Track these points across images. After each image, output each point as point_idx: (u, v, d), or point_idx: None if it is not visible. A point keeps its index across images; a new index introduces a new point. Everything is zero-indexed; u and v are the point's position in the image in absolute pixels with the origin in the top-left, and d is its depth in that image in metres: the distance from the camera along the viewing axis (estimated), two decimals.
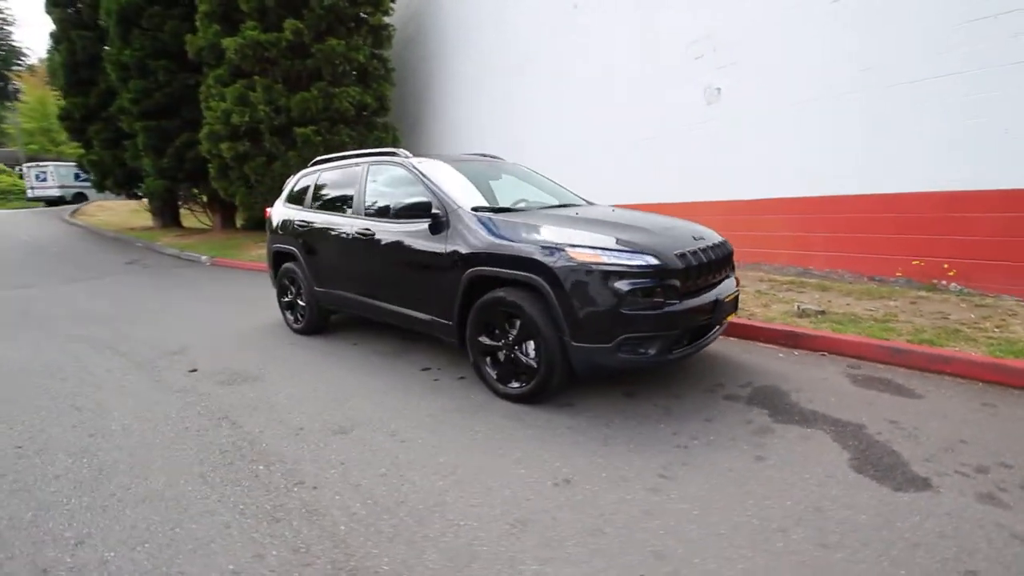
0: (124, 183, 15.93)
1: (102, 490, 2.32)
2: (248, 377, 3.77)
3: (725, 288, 3.20)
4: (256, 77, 10.44)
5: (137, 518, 2.11)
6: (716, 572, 1.71)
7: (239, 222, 15.34)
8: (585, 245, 2.79)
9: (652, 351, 2.74)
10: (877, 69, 5.09)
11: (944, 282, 4.80)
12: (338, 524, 2.02)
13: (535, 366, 2.96)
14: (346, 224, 4.14)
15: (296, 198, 4.91)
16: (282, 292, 5.03)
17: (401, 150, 4.12)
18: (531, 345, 2.99)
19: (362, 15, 11.30)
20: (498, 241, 3.06)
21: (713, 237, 3.32)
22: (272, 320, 5.39)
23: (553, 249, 2.82)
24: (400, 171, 3.93)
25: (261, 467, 2.48)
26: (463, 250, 3.21)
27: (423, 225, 3.50)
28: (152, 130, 12.56)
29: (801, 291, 5.26)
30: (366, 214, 4.02)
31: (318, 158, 5.03)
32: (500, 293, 3.04)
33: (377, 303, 3.98)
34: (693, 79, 6.70)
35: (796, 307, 4.61)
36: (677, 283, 2.78)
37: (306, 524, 2.03)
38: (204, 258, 10.75)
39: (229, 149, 10.63)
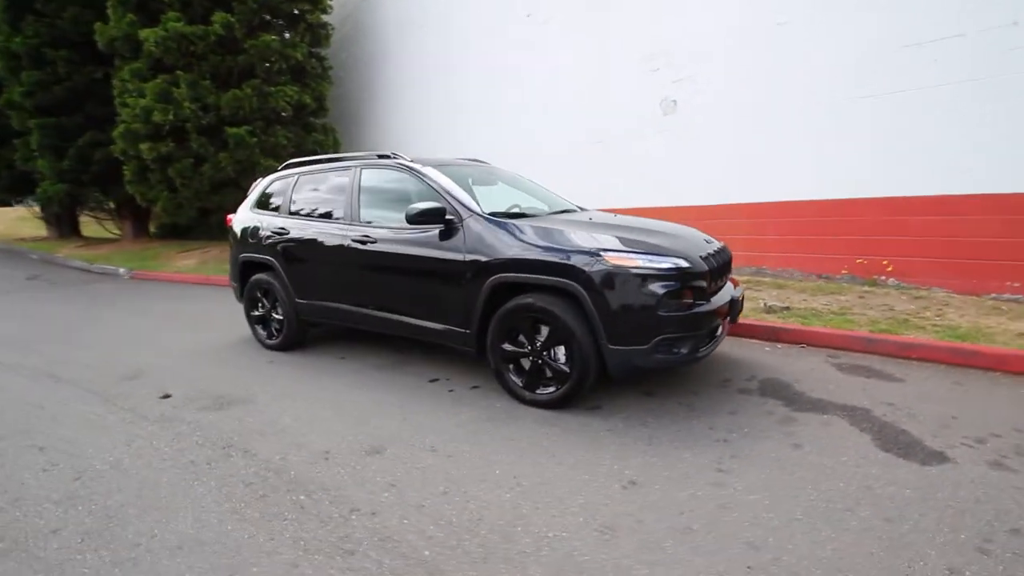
0: (12, 187, 13.89)
1: (122, 540, 2.01)
2: (236, 400, 3.43)
3: (734, 289, 3.40)
4: (180, 72, 9.54)
5: (183, 569, 1.85)
6: (812, 555, 1.80)
7: (152, 229, 13.93)
8: (621, 250, 2.84)
9: (685, 350, 2.84)
10: (820, 87, 5.65)
11: (884, 278, 5.41)
12: (420, 550, 1.90)
13: (567, 371, 2.96)
14: (337, 231, 3.90)
15: (267, 203, 4.55)
16: (252, 306, 4.63)
17: (395, 152, 3.96)
18: (561, 350, 2.99)
19: (297, 11, 10.72)
20: (525, 247, 3.03)
21: (715, 242, 3.51)
22: (233, 337, 4.96)
23: (589, 254, 2.84)
24: (399, 175, 3.77)
25: (302, 496, 2.27)
26: (484, 257, 3.14)
27: (432, 232, 3.39)
28: (49, 128, 11.08)
29: (759, 289, 5.69)
30: (362, 221, 3.81)
31: (291, 161, 4.70)
32: (528, 299, 3.01)
33: (376, 314, 3.78)
34: (650, 90, 7.04)
35: (762, 304, 4.98)
36: (704, 284, 2.91)
37: (386, 554, 1.88)
38: (122, 271, 9.65)
39: (150, 150, 9.63)
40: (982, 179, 4.81)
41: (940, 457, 2.41)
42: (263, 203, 4.60)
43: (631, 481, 2.30)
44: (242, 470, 2.52)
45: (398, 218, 3.86)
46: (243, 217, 4.70)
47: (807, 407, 3.00)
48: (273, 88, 10.10)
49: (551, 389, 3.05)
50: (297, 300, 4.24)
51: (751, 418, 2.88)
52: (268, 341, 4.56)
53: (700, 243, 3.19)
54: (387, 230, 3.66)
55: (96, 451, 2.76)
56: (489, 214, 3.30)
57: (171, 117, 9.36)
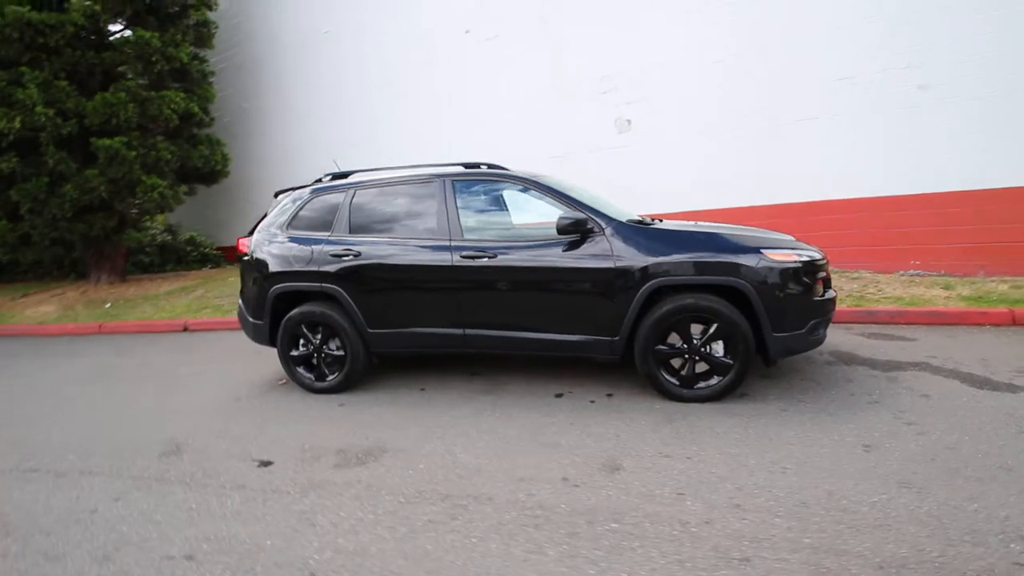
0: None
1: None
2: (371, 450, 2.94)
3: None
4: (25, 69, 7.44)
5: None
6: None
7: None
8: (776, 246, 3.17)
9: (823, 331, 3.28)
10: (763, 111, 6.77)
11: None
12: (799, 539, 1.94)
13: (729, 363, 3.18)
14: (435, 249, 3.56)
15: (310, 224, 3.92)
16: (291, 344, 3.92)
17: (492, 164, 3.77)
18: (719, 344, 3.21)
19: (177, 8, 9.15)
20: (685, 251, 3.19)
21: None
22: (235, 390, 4.17)
23: (753, 252, 3.12)
24: (499, 185, 3.63)
25: (601, 524, 2.10)
26: (639, 263, 3.21)
27: (563, 241, 3.35)
28: None
29: None
30: (465, 236, 3.54)
31: (330, 173, 4.11)
32: (688, 300, 3.17)
33: (489, 334, 3.54)
34: (604, 110, 7.65)
35: None
36: (827, 274, 3.40)
37: (777, 550, 1.89)
38: None
39: None
40: (882, 184, 6.29)
41: (1012, 387, 3.20)
42: (302, 225, 3.94)
43: (865, 445, 2.62)
44: (493, 515, 2.23)
45: (505, 230, 3.72)
46: (272, 241, 3.96)
47: (889, 367, 3.66)
48: (154, 93, 8.47)
49: (712, 382, 3.24)
50: (370, 331, 3.73)
51: (866, 382, 3.43)
52: (317, 384, 3.91)
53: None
54: (503, 243, 3.49)
55: (282, 543, 2.16)
56: (626, 221, 3.38)
57: (16, 124, 7.24)
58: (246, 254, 4.07)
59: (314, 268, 3.78)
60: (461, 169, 3.78)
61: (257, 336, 4.12)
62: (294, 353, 3.94)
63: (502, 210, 3.72)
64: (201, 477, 2.76)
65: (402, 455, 2.87)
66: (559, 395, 3.58)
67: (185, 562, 2.07)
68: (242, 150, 11.51)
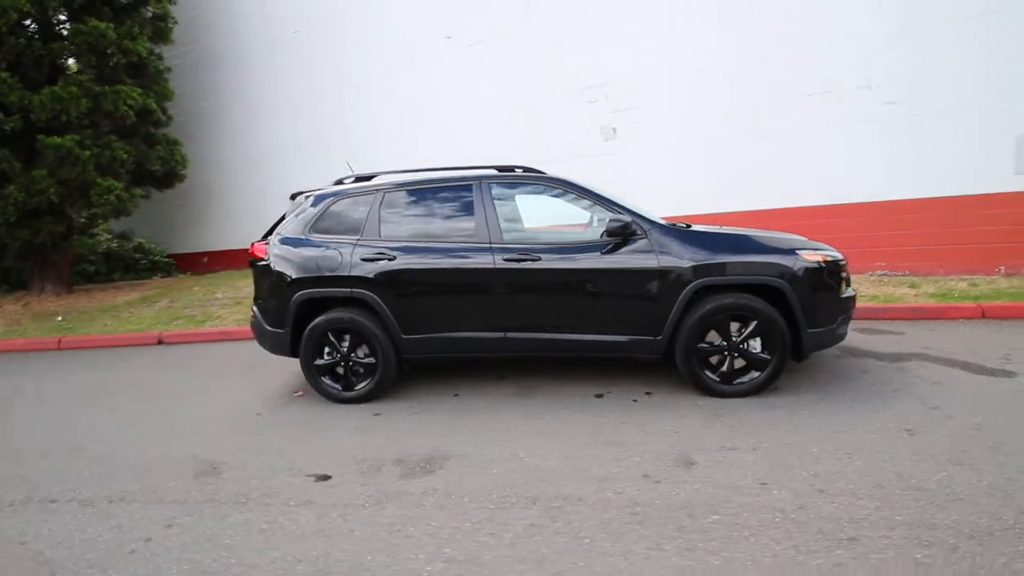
0: None
1: None
2: (435, 457, 2.86)
3: None
4: None
5: None
6: None
7: None
8: (807, 247, 3.37)
9: (847, 327, 3.52)
10: (743, 122, 7.15)
11: None
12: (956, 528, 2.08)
13: (767, 358, 3.34)
14: (476, 252, 3.52)
15: (335, 228, 3.76)
16: (316, 353, 3.74)
17: (528, 167, 3.76)
18: (756, 341, 3.36)
19: None
20: (727, 253, 3.33)
21: None
22: (241, 403, 3.96)
23: (789, 253, 3.30)
24: (541, 188, 3.65)
25: (771, 514, 2.16)
26: (683, 264, 3.31)
27: (605, 244, 3.41)
28: None
29: None
30: (505, 239, 3.52)
31: (352, 175, 3.97)
32: (729, 299, 3.31)
33: (531, 336, 3.53)
34: (591, 118, 7.83)
35: None
36: (847, 273, 3.64)
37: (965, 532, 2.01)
38: None
39: None
40: (850, 192, 6.81)
41: (1006, 372, 3.56)
42: (327, 228, 3.78)
43: (907, 429, 2.83)
44: (592, 515, 2.23)
45: (543, 233, 3.74)
46: (295, 245, 3.77)
47: (894, 359, 3.97)
48: (108, 88, 7.83)
49: (751, 376, 3.39)
50: (404, 336, 3.62)
51: (881, 373, 3.70)
52: (345, 394, 3.75)
53: None
54: (543, 246, 3.50)
55: (385, 558, 2.06)
56: (665, 224, 3.49)
57: None
58: (263, 259, 3.85)
59: (344, 273, 3.63)
60: (494, 172, 3.77)
61: (276, 346, 3.90)
62: (319, 362, 3.76)
63: (531, 212, 3.75)
64: (256, 496, 2.58)
65: (466, 461, 2.81)
66: (599, 395, 3.62)
67: None
68: (198, 151, 10.84)
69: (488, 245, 3.53)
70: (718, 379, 3.41)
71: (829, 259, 3.38)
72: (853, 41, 6.49)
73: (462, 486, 2.56)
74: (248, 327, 6.17)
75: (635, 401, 3.49)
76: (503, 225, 3.56)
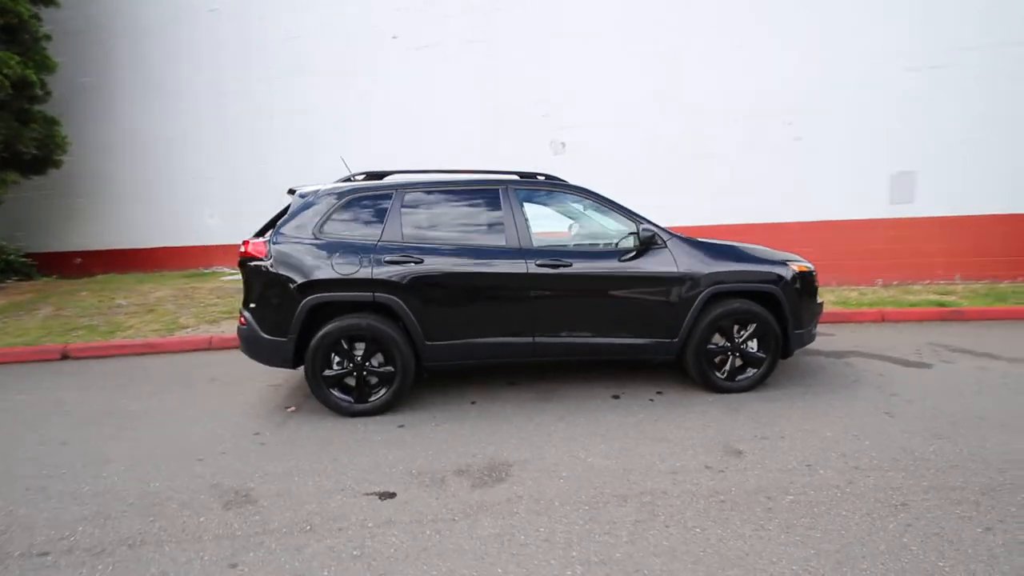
0: None
1: None
2: (496, 465, 2.80)
3: None
4: None
5: None
6: (964, 405, 3.27)
7: None
8: (794, 259, 3.85)
9: (817, 329, 4.08)
10: (678, 144, 7.87)
11: None
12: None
13: (763, 357, 3.76)
14: (505, 256, 3.49)
15: (349, 229, 3.49)
16: (324, 364, 3.42)
17: (550, 175, 3.81)
18: (755, 342, 3.77)
19: None
20: (734, 262, 3.71)
21: None
22: (219, 425, 3.59)
23: (783, 263, 3.75)
24: (563, 196, 3.77)
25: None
26: (699, 271, 3.62)
27: (627, 251, 3.62)
28: None
29: None
30: (534, 244, 3.55)
31: (363, 172, 3.70)
32: (735, 304, 3.67)
33: (555, 340, 3.59)
34: (541, 132, 8.08)
35: None
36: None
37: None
38: None
39: None
40: (773, 212, 7.82)
41: (925, 364, 4.39)
42: (340, 228, 3.48)
43: (886, 412, 3.37)
44: (686, 506, 2.37)
45: (567, 239, 3.84)
46: (303, 245, 3.42)
47: (837, 356, 4.65)
48: None
49: (749, 374, 3.78)
50: (427, 343, 3.47)
51: (834, 368, 4.33)
52: (357, 406, 3.48)
53: None
54: (569, 251, 3.60)
55: (519, 569, 1.99)
56: (678, 234, 3.77)
57: None
58: (261, 259, 3.43)
59: (364, 276, 3.38)
60: (516, 178, 3.79)
61: (273, 357, 3.49)
62: (327, 373, 3.44)
63: (560, 219, 3.83)
64: (321, 522, 2.32)
65: (531, 467, 2.79)
66: (616, 396, 3.79)
67: None
68: (78, 134, 9.20)
69: (519, 249, 3.54)
70: (723, 377, 3.77)
71: (806, 269, 3.92)
72: (784, 85, 7.49)
73: (544, 491, 2.55)
74: (175, 338, 5.47)
75: (651, 400, 3.71)
76: (540, 230, 3.60)
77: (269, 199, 9.68)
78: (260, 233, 3.64)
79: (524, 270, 3.50)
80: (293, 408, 3.69)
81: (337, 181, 3.74)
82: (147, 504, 2.50)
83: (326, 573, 1.99)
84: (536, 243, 3.60)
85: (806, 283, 3.86)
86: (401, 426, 3.37)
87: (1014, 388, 3.76)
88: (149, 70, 9.38)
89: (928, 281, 7.30)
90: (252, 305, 3.53)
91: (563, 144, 8.14)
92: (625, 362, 4.18)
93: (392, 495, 2.54)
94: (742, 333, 3.75)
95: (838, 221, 7.56)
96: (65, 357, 5.10)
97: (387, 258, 3.43)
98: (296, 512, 2.41)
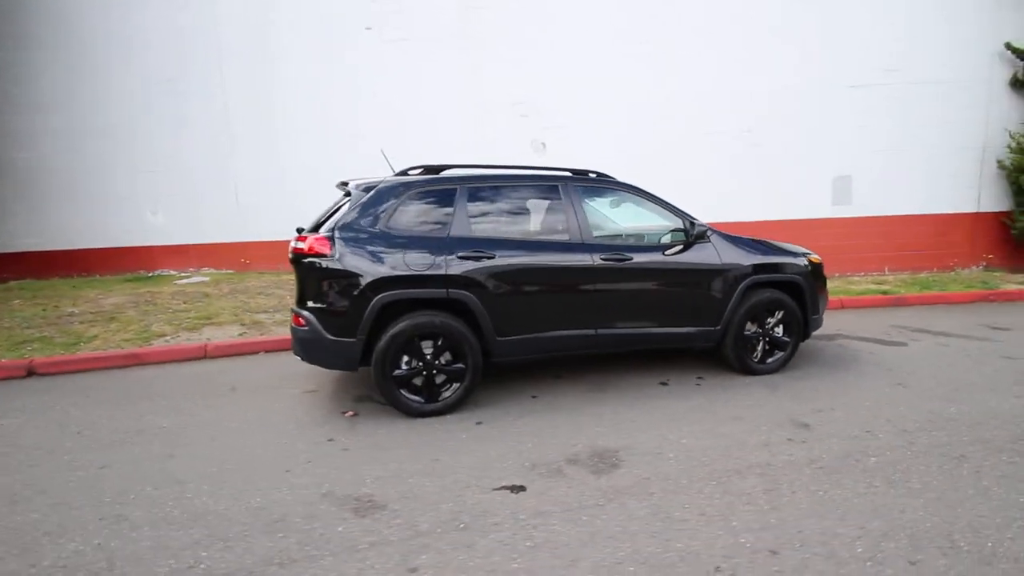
0: None
1: None
2: (606, 452, 2.89)
3: None
4: None
5: None
6: (965, 375, 3.90)
7: None
8: (810, 252, 4.29)
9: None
10: (652, 152, 8.30)
11: None
12: None
13: (788, 341, 4.16)
14: (570, 250, 3.57)
15: (414, 222, 3.38)
16: (393, 364, 3.30)
17: (601, 173, 3.92)
18: (781, 328, 4.15)
19: None
20: (766, 254, 4.07)
21: None
22: (281, 436, 3.44)
23: (804, 255, 4.17)
24: (613, 192, 3.95)
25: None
26: (739, 263, 3.93)
27: (674, 244, 3.86)
28: None
29: None
30: (594, 239, 3.67)
31: (420, 166, 3.59)
32: (768, 293, 4.03)
33: (614, 331, 3.75)
34: (521, 131, 8.18)
35: None
36: None
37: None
38: None
39: None
40: (728, 213, 8.50)
41: (900, 343, 5.06)
42: (406, 223, 3.37)
43: (899, 383, 3.88)
44: (802, 474, 2.63)
45: (620, 234, 4.01)
46: (371, 241, 3.27)
47: (829, 339, 5.21)
48: None
49: (777, 356, 4.16)
50: (498, 339, 3.46)
51: (831, 349, 4.87)
52: (427, 406, 3.39)
53: None
54: (626, 246, 3.77)
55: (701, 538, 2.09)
56: (716, 229, 4.06)
57: None
58: (325, 256, 3.23)
59: (439, 272, 3.30)
60: (570, 174, 3.89)
61: (337, 359, 3.32)
62: (397, 373, 3.32)
63: (610, 215, 3.97)
64: (471, 519, 2.28)
65: (638, 451, 2.91)
66: (664, 383, 4.01)
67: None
68: None
69: (582, 244, 3.64)
70: (757, 360, 4.12)
71: (818, 260, 4.39)
72: (736, 96, 8.16)
73: (663, 472, 2.68)
74: (163, 347, 4.96)
75: (698, 385, 3.97)
76: (599, 225, 3.74)
77: (229, 194, 9.02)
78: (314, 228, 3.42)
79: (590, 264, 3.61)
80: (352, 412, 3.51)
81: (396, 175, 3.62)
82: (264, 522, 2.30)
83: (516, 565, 1.99)
84: (595, 238, 3.73)
85: (819, 273, 4.33)
86: (479, 423, 3.34)
87: (977, 359, 4.48)
88: (80, 49, 8.25)
89: (864, 273, 8.35)
90: (313, 305, 3.32)
91: (543, 144, 8.30)
92: (659, 351, 4.40)
93: (522, 488, 2.55)
94: (769, 320, 4.13)
95: (793, 220, 8.40)
96: (31, 374, 4.39)
97: (459, 253, 3.38)
98: (437, 512, 2.35)
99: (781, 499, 2.40)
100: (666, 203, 3.99)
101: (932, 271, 8.21)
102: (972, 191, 8.18)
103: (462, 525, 2.25)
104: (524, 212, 3.70)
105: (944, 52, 7.95)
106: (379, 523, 2.28)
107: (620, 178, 4.13)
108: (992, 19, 7.79)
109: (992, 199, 8.15)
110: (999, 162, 7.94)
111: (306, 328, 3.31)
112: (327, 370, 4.28)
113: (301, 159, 8.33)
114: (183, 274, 8.37)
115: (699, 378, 4.11)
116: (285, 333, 5.21)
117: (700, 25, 8.11)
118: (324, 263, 3.27)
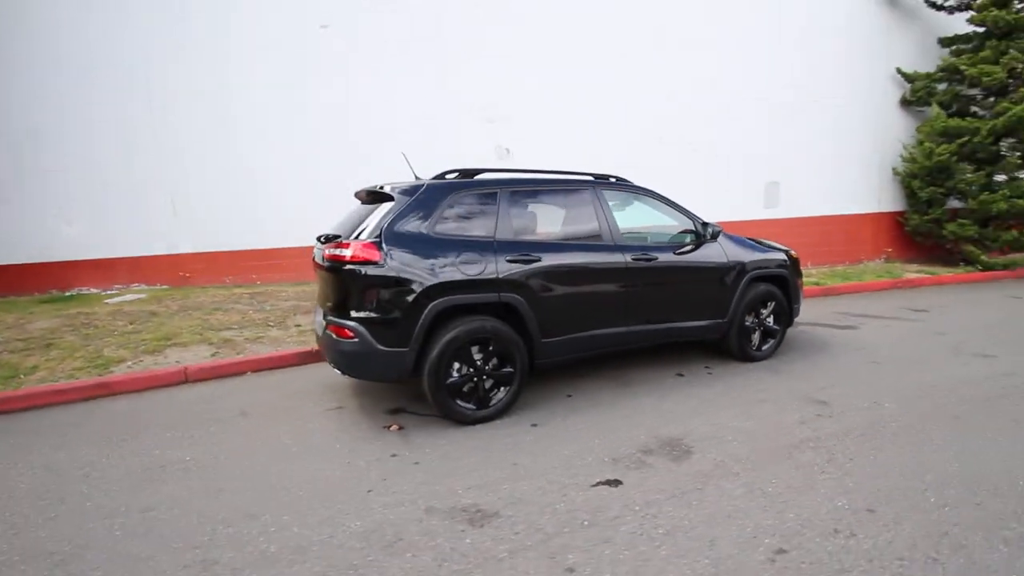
0: None
1: None
2: (673, 443, 3.03)
3: None
4: None
5: None
6: (932, 345, 4.60)
7: None
8: (788, 248, 4.78)
9: None
10: (605, 157, 8.69)
11: None
12: None
13: (778, 329, 4.61)
14: (602, 251, 3.71)
15: (459, 226, 3.33)
16: (446, 372, 3.21)
17: (619, 177, 4.08)
18: (772, 318, 4.59)
19: None
20: (762, 252, 4.49)
21: None
22: (353, 456, 3.29)
23: (786, 251, 4.64)
24: (639, 198, 4.14)
25: None
26: (741, 260, 4.31)
27: (687, 243, 4.16)
28: None
29: None
30: (623, 240, 3.84)
31: (455, 170, 3.51)
32: (763, 287, 4.45)
33: (641, 328, 3.94)
34: (486, 136, 8.20)
35: None
36: None
37: None
38: None
39: None
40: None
41: (851, 327, 5.78)
42: (452, 227, 3.30)
43: (873, 362, 4.45)
44: (844, 442, 2.96)
45: (641, 234, 4.22)
46: (423, 245, 3.17)
47: (794, 326, 5.83)
48: None
49: (770, 343, 4.60)
50: (543, 340, 3.49)
51: (798, 336, 5.45)
52: (479, 412, 3.34)
53: None
54: (649, 246, 3.97)
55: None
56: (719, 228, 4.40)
57: None
58: (369, 263, 3.06)
59: (490, 276, 3.27)
60: (592, 178, 4.02)
61: (389, 370, 3.16)
62: (451, 381, 3.24)
63: (630, 217, 4.16)
64: (588, 516, 2.32)
65: (698, 437, 3.10)
66: (680, 375, 4.27)
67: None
68: None
69: (615, 245, 3.79)
70: (754, 348, 4.52)
71: (795, 255, 4.91)
72: (683, 107, 8.82)
73: (735, 453, 2.89)
74: (139, 373, 4.46)
75: (710, 374, 4.28)
76: (626, 227, 3.90)
77: (164, 202, 8.04)
78: (357, 235, 3.24)
79: (623, 263, 3.77)
80: (396, 426, 3.36)
81: (433, 179, 3.52)
82: (381, 544, 2.16)
83: (663, 552, 2.06)
84: (624, 239, 3.90)
85: (797, 267, 4.85)
86: (535, 424, 3.35)
87: (917, 336, 5.27)
88: None
89: None
90: (361, 315, 3.13)
91: (508, 150, 8.40)
92: (662, 345, 4.67)
93: (619, 482, 2.62)
94: (763, 311, 4.56)
95: (735, 222, 9.18)
96: None
97: (507, 257, 3.38)
98: (554, 514, 2.35)
99: (845, 466, 2.70)
100: (676, 204, 4.27)
101: (846, 264, 9.44)
102: (874, 194, 9.53)
103: (585, 522, 2.28)
104: (559, 215, 3.79)
105: (846, 73, 9.20)
106: (502, 531, 2.24)
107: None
108: (885, 44, 9.18)
109: (889, 201, 9.55)
110: (894, 169, 9.34)
111: (355, 340, 3.12)
112: (342, 385, 4.09)
113: (249, 163, 7.72)
114: (111, 292, 7.38)
115: (706, 367, 4.43)
116: (265, 351, 4.85)
117: (650, 42, 8.67)
118: (372, 270, 3.11)
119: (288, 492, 2.62)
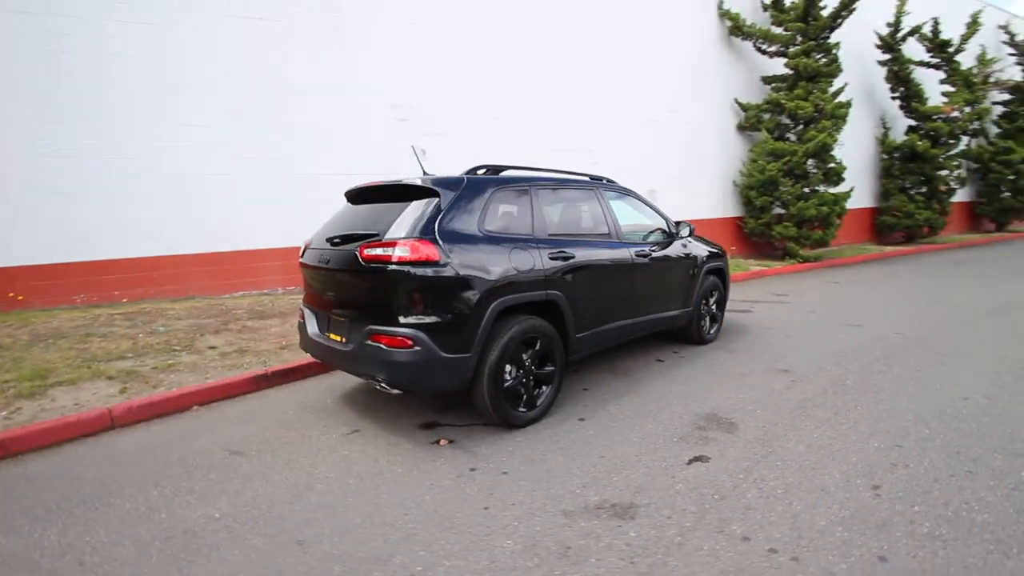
0: None
1: None
2: (710, 422, 3.35)
3: None
4: None
5: None
6: (822, 344, 5.79)
7: None
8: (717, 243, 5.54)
9: None
10: (524, 159, 8.90)
11: None
12: None
13: (719, 314, 5.33)
14: (614, 247, 3.91)
15: (502, 223, 3.21)
16: (502, 375, 3.07)
17: (608, 178, 4.27)
18: (715, 305, 5.29)
19: None
20: (707, 245, 5.14)
21: None
22: (409, 477, 3.06)
23: (719, 246, 5.39)
24: (625, 197, 4.43)
25: None
26: (700, 254, 4.90)
27: (660, 240, 4.62)
28: None
29: None
30: (625, 236, 4.08)
31: (484, 166, 3.35)
32: (712, 277, 5.11)
33: (639, 320, 4.23)
34: (400, 136, 7.78)
35: None
36: None
37: None
38: None
39: None
40: None
41: (747, 311, 6.90)
42: (496, 223, 3.15)
43: (786, 336, 5.40)
44: (846, 403, 3.60)
45: (631, 231, 4.53)
46: (475, 244, 2.98)
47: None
48: None
49: (715, 327, 5.30)
50: (577, 336, 3.53)
51: (733, 327, 6.34)
52: (529, 414, 3.27)
53: None
54: (642, 243, 4.28)
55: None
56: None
57: None
58: (427, 263, 2.75)
59: (539, 275, 3.20)
60: (588, 179, 4.19)
61: (451, 378, 2.91)
62: (505, 384, 3.09)
63: (620, 215, 4.41)
64: (714, 492, 2.48)
65: (729, 411, 3.47)
66: (660, 360, 4.67)
67: None
68: None
69: (620, 241, 4.01)
70: (707, 332, 5.17)
71: (725, 250, 5.73)
72: (579, 120, 9.47)
73: (767, 419, 3.32)
74: (42, 424, 3.64)
75: (681, 357, 4.77)
76: (625, 225, 4.14)
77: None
78: (409, 235, 2.87)
79: (629, 259, 4.02)
80: (445, 441, 3.09)
81: (464, 173, 3.30)
82: (554, 557, 2.03)
83: (798, 507, 2.31)
84: (625, 236, 4.15)
85: (727, 259, 5.67)
86: (582, 419, 3.39)
87: (797, 315, 6.51)
88: None
89: None
90: (419, 320, 2.80)
91: (423, 151, 8.07)
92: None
93: (706, 458, 2.83)
94: (710, 300, 5.24)
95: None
96: None
97: (548, 253, 3.35)
98: (681, 494, 2.46)
99: (853, 416, 3.31)
100: (651, 204, 4.70)
101: None
102: (722, 203, 11.43)
103: (715, 496, 2.44)
104: (576, 212, 3.88)
105: (702, 99, 10.91)
106: (658, 519, 2.28)
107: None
108: (726, 77, 11.11)
109: (733, 208, 11.56)
110: (734, 182, 11.35)
111: (416, 349, 2.78)
112: (327, 407, 3.62)
113: (87, 154, 6.16)
114: None
115: (677, 352, 4.93)
116: (195, 380, 4.03)
117: (544, 52, 9.17)
118: (430, 271, 2.82)
119: (395, 527, 2.27)
